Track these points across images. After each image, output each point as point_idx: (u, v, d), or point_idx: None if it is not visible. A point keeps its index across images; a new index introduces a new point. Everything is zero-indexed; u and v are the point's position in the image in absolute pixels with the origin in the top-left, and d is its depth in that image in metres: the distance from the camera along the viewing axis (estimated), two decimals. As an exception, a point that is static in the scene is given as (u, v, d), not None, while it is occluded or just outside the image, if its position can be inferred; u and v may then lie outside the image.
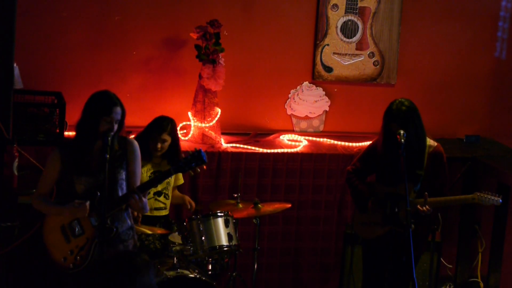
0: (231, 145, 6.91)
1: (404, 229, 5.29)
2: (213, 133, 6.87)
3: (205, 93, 6.81)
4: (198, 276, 5.69)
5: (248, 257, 6.52)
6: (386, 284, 5.87)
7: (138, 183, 5.09)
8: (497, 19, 7.70)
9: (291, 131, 7.45)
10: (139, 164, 5.13)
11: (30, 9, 6.71)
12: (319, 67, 7.41)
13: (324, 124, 7.53)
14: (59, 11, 6.85)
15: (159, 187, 6.14)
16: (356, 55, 7.45)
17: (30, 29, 6.73)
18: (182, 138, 6.96)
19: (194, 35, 6.72)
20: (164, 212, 6.27)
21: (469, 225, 7.28)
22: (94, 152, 5.00)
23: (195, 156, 4.90)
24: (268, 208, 6.20)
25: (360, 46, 7.45)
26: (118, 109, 4.94)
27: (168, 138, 6.16)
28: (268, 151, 6.88)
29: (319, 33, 7.36)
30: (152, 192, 6.13)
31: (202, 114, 6.85)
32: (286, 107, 7.44)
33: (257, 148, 6.89)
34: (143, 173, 6.06)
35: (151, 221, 6.14)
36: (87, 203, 4.89)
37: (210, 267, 6.00)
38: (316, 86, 7.46)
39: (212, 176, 6.70)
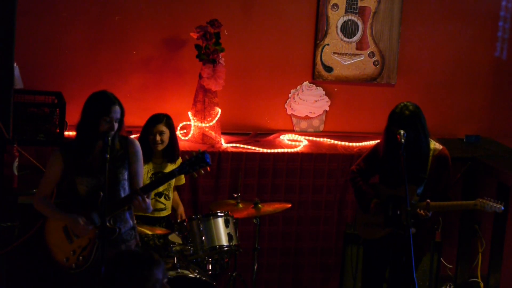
0: (231, 145, 6.91)
1: (405, 230, 5.28)
2: (213, 133, 6.87)
3: (205, 93, 6.81)
4: (198, 276, 5.69)
5: (248, 257, 6.52)
6: (387, 285, 5.87)
7: (141, 184, 5.08)
8: (497, 19, 7.70)
9: (291, 131, 7.45)
10: (142, 165, 5.13)
11: (30, 9, 6.71)
12: (319, 67, 7.41)
13: (324, 124, 7.53)
14: (59, 11, 6.85)
15: (160, 188, 6.13)
16: (356, 55, 7.45)
17: (30, 29, 6.73)
18: (182, 138, 6.97)
19: (194, 35, 6.72)
20: (164, 213, 6.27)
21: (469, 225, 7.28)
22: (95, 152, 5.00)
23: (199, 157, 4.89)
24: (268, 208, 6.20)
25: (360, 46, 7.45)
26: (117, 108, 4.94)
27: (165, 130, 6.15)
28: (268, 151, 6.87)
29: (319, 33, 7.36)
30: (153, 193, 6.12)
31: (202, 114, 6.85)
32: (286, 107, 7.44)
33: (257, 148, 6.89)
34: (144, 174, 6.05)
35: (152, 222, 6.14)
36: (91, 228, 4.90)
37: (210, 267, 6.00)
38: (316, 86, 7.46)
39: (212, 176, 6.69)
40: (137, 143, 5.15)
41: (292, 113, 7.45)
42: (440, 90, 7.68)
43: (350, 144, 7.23)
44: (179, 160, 6.30)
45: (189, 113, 6.93)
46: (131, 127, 6.55)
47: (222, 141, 6.94)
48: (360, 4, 7.37)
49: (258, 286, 6.71)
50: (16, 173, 5.85)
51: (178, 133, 6.96)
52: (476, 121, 7.78)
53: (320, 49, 7.38)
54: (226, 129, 7.14)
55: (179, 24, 7.06)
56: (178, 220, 6.28)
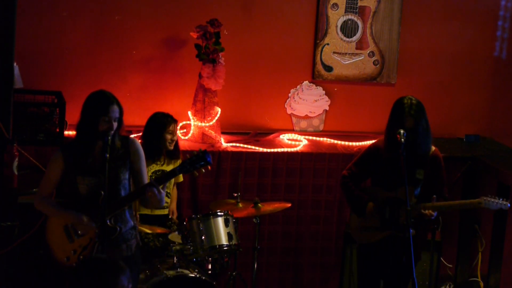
0: (231, 144, 6.91)
1: (404, 231, 5.27)
2: (213, 132, 6.87)
3: (205, 92, 6.81)
4: (198, 275, 5.69)
5: (248, 256, 6.52)
6: (385, 286, 5.85)
7: (146, 181, 5.09)
8: (496, 19, 7.70)
9: (291, 130, 7.45)
10: (144, 163, 5.13)
11: (30, 9, 6.71)
12: (319, 67, 7.41)
13: (324, 123, 7.53)
14: (59, 11, 6.86)
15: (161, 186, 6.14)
16: (356, 54, 7.45)
17: (30, 29, 6.73)
18: (182, 137, 6.97)
19: (194, 35, 6.72)
20: (165, 211, 6.28)
21: (469, 225, 7.28)
22: (96, 152, 5.00)
23: (200, 156, 4.89)
24: (268, 207, 6.20)
25: (360, 45, 7.45)
26: (115, 107, 4.93)
27: (174, 128, 6.23)
28: (268, 150, 6.88)
29: (319, 32, 7.36)
30: None
31: (202, 114, 6.85)
32: (286, 106, 7.44)
33: (257, 148, 6.89)
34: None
35: (152, 220, 6.14)
36: (94, 226, 4.91)
37: (210, 266, 6.00)
38: (316, 86, 7.46)
39: (212, 176, 6.70)
40: (138, 142, 5.15)
41: (292, 113, 7.45)
42: (440, 90, 7.68)
43: (350, 143, 7.23)
44: (180, 160, 6.31)
45: (189, 113, 6.93)
46: (131, 127, 6.56)
47: (222, 140, 6.94)
48: (360, 3, 7.37)
49: (258, 285, 6.71)
50: (16, 173, 5.85)
51: (178, 132, 6.97)
52: (476, 121, 7.78)
53: (320, 48, 7.38)
54: (226, 129, 7.15)
55: (179, 24, 7.06)
56: (169, 216, 6.28)
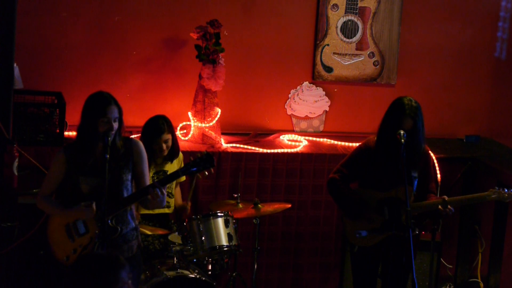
0: (231, 145, 6.91)
1: (405, 231, 5.26)
2: (213, 133, 6.87)
3: (205, 93, 6.81)
4: (198, 276, 5.69)
5: (248, 257, 6.52)
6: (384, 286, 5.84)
7: (148, 183, 5.09)
8: (497, 19, 7.70)
9: (291, 131, 7.45)
10: (147, 164, 5.13)
11: (30, 9, 6.71)
12: (319, 67, 7.41)
13: (324, 124, 7.53)
14: (59, 11, 6.85)
15: None
16: (356, 55, 7.45)
17: (30, 29, 6.73)
18: (182, 138, 6.97)
19: (194, 35, 6.72)
20: (168, 211, 6.27)
21: (469, 225, 7.27)
22: (97, 153, 5.00)
23: (204, 159, 4.89)
24: (268, 208, 6.20)
25: (360, 46, 7.45)
26: (113, 108, 4.93)
27: (169, 137, 6.16)
28: (268, 151, 6.88)
29: (319, 33, 7.36)
30: None
31: (202, 114, 6.85)
32: (286, 107, 7.44)
33: (257, 148, 6.89)
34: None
35: (154, 219, 6.14)
36: (94, 205, 4.89)
37: (210, 267, 6.00)
38: (316, 86, 7.46)
39: (212, 176, 6.68)
40: (141, 143, 5.16)
41: (292, 113, 7.45)
42: (440, 90, 7.68)
43: (350, 144, 7.22)
44: (181, 155, 6.30)
45: (189, 113, 6.93)
46: (131, 127, 6.55)
47: (222, 141, 6.94)
48: (360, 4, 7.37)
49: (258, 286, 6.71)
50: (16, 173, 5.85)
51: (178, 133, 6.97)
52: (476, 121, 7.78)
53: (320, 49, 7.38)
54: (226, 129, 7.14)
55: (179, 24, 7.06)
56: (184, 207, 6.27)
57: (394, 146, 5.46)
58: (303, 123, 7.47)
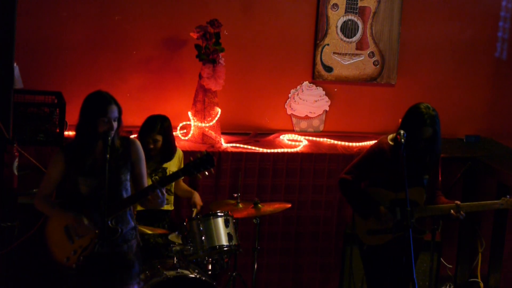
0: (231, 145, 6.91)
1: (405, 231, 5.27)
2: (213, 133, 6.87)
3: (205, 93, 6.81)
4: (198, 276, 5.69)
5: (248, 257, 6.52)
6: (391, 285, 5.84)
7: (146, 184, 5.08)
8: (497, 19, 7.70)
9: (291, 131, 7.45)
10: (144, 164, 5.12)
11: (30, 9, 6.71)
12: (319, 67, 7.41)
13: (324, 124, 7.53)
14: (59, 11, 6.85)
15: None
16: (356, 55, 7.45)
17: (30, 29, 6.73)
18: (182, 138, 6.97)
19: (194, 35, 6.72)
20: (167, 207, 6.27)
21: (469, 226, 7.27)
22: (97, 153, 4.99)
23: (204, 159, 4.88)
24: (268, 208, 6.20)
25: (360, 46, 7.45)
26: (114, 108, 4.92)
27: (159, 138, 6.14)
28: (268, 151, 6.87)
29: (319, 33, 7.36)
30: None
31: (202, 114, 6.85)
32: (286, 107, 7.44)
33: (257, 148, 6.89)
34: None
35: (149, 216, 6.13)
36: (84, 220, 4.90)
37: (210, 267, 6.00)
38: (316, 86, 7.46)
39: (212, 176, 6.65)
40: (138, 143, 5.14)
41: (292, 113, 7.45)
42: (440, 90, 7.68)
43: (350, 144, 7.22)
44: (180, 153, 6.30)
45: (189, 113, 6.93)
46: (131, 127, 6.56)
47: (222, 141, 6.94)
48: (360, 4, 7.37)
49: (258, 286, 6.71)
50: (16, 173, 5.85)
51: (178, 133, 6.97)
52: (476, 121, 7.78)
53: (320, 49, 7.38)
54: (226, 129, 7.15)
55: (179, 24, 7.06)
56: (192, 208, 6.25)
57: (412, 154, 5.45)
58: (303, 122, 7.47)
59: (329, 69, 7.42)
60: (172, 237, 5.98)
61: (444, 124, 7.57)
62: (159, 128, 6.14)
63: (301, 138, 7.30)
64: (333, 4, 7.32)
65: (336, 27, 7.37)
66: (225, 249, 5.92)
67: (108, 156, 4.83)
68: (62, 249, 5.02)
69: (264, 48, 7.29)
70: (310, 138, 7.35)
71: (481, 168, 7.02)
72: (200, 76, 6.77)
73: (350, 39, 7.42)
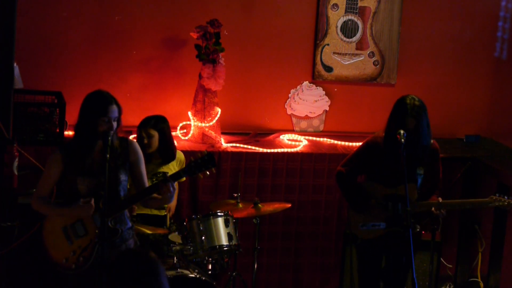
0: (231, 145, 6.91)
1: (405, 229, 5.29)
2: (213, 132, 6.87)
3: (205, 92, 6.81)
4: (198, 276, 5.69)
5: (248, 257, 6.52)
6: (384, 283, 5.87)
7: (147, 183, 5.08)
8: (497, 19, 7.70)
9: (291, 131, 7.45)
10: (144, 165, 5.12)
11: (30, 9, 6.71)
12: (319, 67, 7.41)
13: (324, 123, 7.53)
14: (59, 11, 6.85)
15: None
16: (356, 54, 7.45)
17: (30, 29, 6.73)
18: (182, 138, 6.97)
19: (194, 35, 6.72)
20: (163, 212, 6.27)
21: (469, 225, 7.28)
22: (95, 152, 4.99)
23: (205, 160, 4.87)
24: (268, 208, 6.20)
25: (360, 46, 7.45)
26: (114, 107, 4.92)
27: (154, 133, 6.13)
28: (268, 151, 6.88)
29: (319, 32, 7.36)
30: None
31: (202, 114, 6.85)
32: (286, 106, 7.44)
33: (257, 148, 6.89)
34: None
35: (151, 220, 6.13)
36: (92, 201, 4.86)
37: (210, 267, 6.00)
38: (316, 86, 7.46)
39: (212, 176, 6.65)
40: (137, 144, 5.15)
41: (292, 113, 7.45)
42: (440, 90, 7.68)
43: (350, 144, 7.23)
44: (182, 157, 6.30)
45: (189, 113, 6.93)
46: (131, 127, 6.56)
47: (222, 141, 6.94)
48: (360, 4, 7.37)
49: (258, 286, 6.71)
50: (16, 173, 5.86)
51: (178, 133, 6.97)
52: (476, 121, 7.78)
53: (320, 49, 7.38)
54: (226, 129, 7.15)
55: (179, 24, 7.06)
56: (165, 213, 6.24)
57: (397, 145, 5.48)
58: (303, 122, 7.47)
59: (329, 69, 7.42)
60: (172, 237, 5.98)
61: (444, 124, 7.64)
62: (153, 122, 6.14)
63: (301, 138, 7.30)
64: (333, 4, 7.32)
65: (336, 27, 7.37)
66: (225, 249, 5.92)
67: (108, 156, 4.82)
68: (60, 251, 4.99)
69: (264, 48, 7.30)
70: (310, 138, 7.35)
71: (481, 168, 7.02)
72: (200, 76, 6.77)
73: (350, 39, 7.42)
